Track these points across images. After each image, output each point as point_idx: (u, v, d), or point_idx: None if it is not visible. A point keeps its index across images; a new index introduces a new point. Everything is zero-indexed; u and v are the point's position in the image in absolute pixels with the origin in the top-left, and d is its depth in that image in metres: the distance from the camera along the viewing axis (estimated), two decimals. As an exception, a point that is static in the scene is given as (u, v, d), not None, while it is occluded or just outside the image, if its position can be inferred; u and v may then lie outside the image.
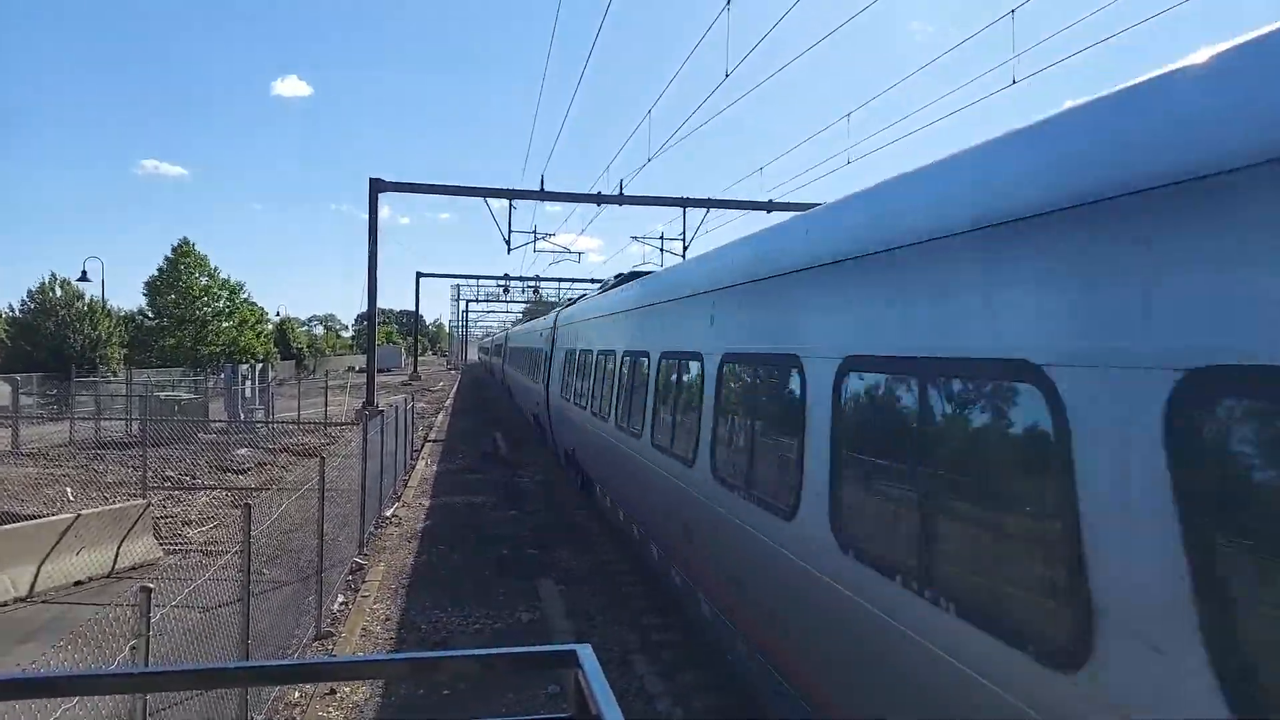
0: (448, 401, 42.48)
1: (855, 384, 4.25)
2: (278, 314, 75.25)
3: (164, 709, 5.21)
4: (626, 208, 28.12)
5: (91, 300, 44.23)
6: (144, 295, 55.16)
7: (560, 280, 62.54)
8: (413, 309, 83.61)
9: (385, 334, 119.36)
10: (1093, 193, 2.74)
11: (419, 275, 72.23)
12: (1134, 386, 2.52)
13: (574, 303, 19.21)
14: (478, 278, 69.48)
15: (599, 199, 27.20)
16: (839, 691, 4.36)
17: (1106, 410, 2.64)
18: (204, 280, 56.43)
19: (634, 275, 13.56)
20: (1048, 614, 2.82)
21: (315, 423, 25.46)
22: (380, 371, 34.32)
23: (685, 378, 7.38)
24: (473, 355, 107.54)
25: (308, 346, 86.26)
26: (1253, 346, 2.19)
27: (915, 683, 3.45)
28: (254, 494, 12.75)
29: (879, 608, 3.74)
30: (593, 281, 48.84)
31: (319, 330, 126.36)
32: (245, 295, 60.17)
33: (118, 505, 12.21)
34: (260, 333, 62.40)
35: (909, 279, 3.81)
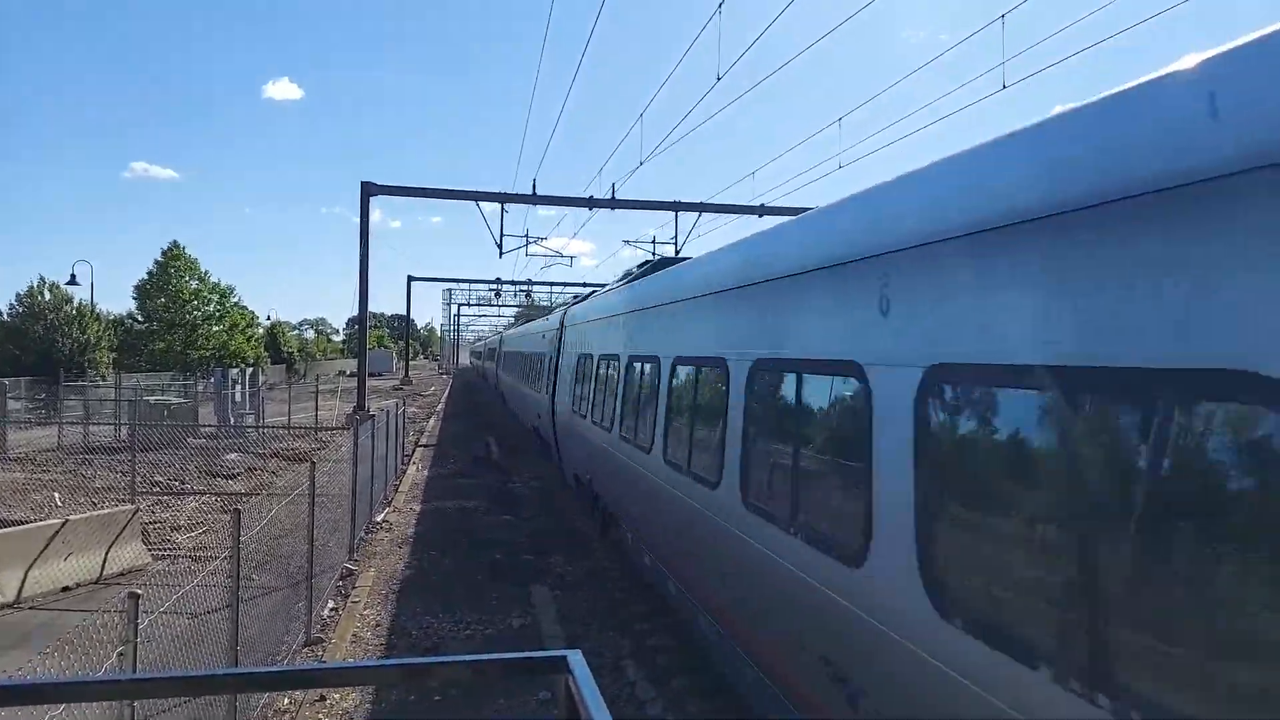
0: (439, 406, 42.38)
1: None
2: (268, 318, 75.08)
3: (152, 716, 5.17)
4: (619, 212, 28.18)
5: (80, 304, 44.01)
6: (133, 299, 54.93)
7: (552, 284, 62.66)
8: (404, 313, 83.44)
9: (377, 338, 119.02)
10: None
11: (410, 279, 72.17)
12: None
13: (585, 298, 17.05)
14: (470, 282, 69.60)
15: (591, 203, 27.25)
16: None
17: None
18: (194, 284, 56.18)
19: (665, 262, 11.28)
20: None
21: (306, 427, 25.35)
22: (371, 376, 34.20)
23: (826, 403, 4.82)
24: (465, 360, 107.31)
25: (298, 350, 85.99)
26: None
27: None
28: (243, 499, 12.71)
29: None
30: (585, 286, 48.84)
31: (310, 334, 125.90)
32: (236, 299, 60.01)
33: (106, 510, 12.13)
34: (251, 336, 62.17)
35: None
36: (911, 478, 3.52)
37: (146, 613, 4.60)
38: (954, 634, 3.13)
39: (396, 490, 17.42)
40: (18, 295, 43.20)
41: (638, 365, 9.42)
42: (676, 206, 28.26)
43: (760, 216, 26.78)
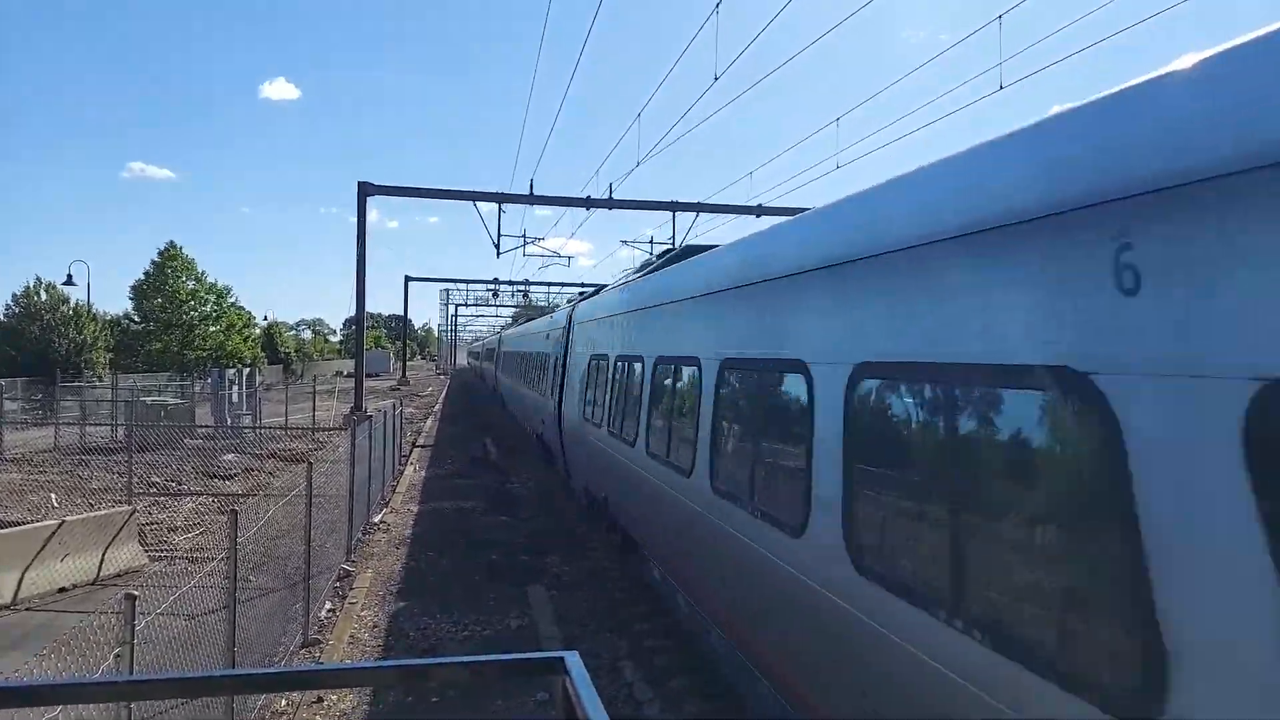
0: (437, 406, 42.37)
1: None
2: (265, 318, 75.03)
3: (149, 718, 5.16)
4: (616, 212, 28.22)
5: (77, 304, 43.93)
6: (130, 299, 54.87)
7: (550, 284, 62.64)
8: (401, 313, 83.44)
9: (374, 338, 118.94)
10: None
11: (408, 279, 72.19)
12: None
13: (595, 292, 15.53)
14: (467, 282, 69.56)
15: (588, 203, 27.27)
16: None
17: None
18: (191, 284, 56.14)
19: (690, 251, 9.67)
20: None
21: (303, 428, 25.31)
22: (369, 376, 34.19)
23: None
24: (462, 360, 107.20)
25: (295, 351, 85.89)
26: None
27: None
28: (240, 500, 12.69)
29: None
30: (583, 286, 48.78)
31: (307, 334, 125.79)
32: (233, 299, 59.96)
33: (103, 511, 12.10)
34: (248, 337, 62.12)
35: None
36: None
37: (143, 614, 4.60)
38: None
39: (394, 491, 17.41)
40: (14, 295, 43.17)
41: (669, 370, 7.97)
42: (674, 206, 28.28)
43: (758, 217, 26.81)
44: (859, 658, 4.03)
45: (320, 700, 7.14)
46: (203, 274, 57.01)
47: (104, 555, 11.10)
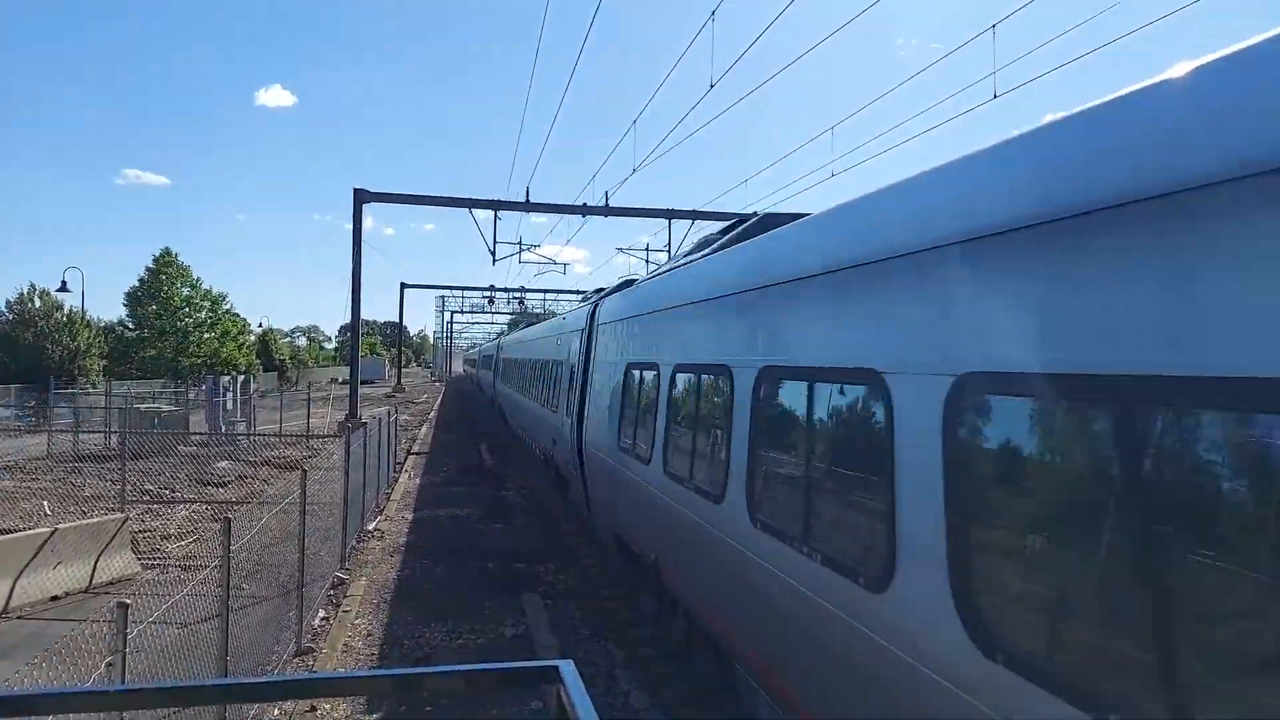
0: (432, 414, 42.29)
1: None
2: (260, 325, 74.89)
3: (141, 727, 5.13)
4: (612, 219, 28.24)
5: (71, 311, 43.88)
6: (124, 306, 54.80)
7: (546, 291, 62.67)
8: (397, 320, 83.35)
9: (369, 345, 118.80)
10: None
11: (403, 286, 72.24)
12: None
13: (626, 286, 11.98)
14: (463, 289, 69.56)
15: (584, 210, 27.30)
16: None
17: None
18: (186, 291, 56.08)
19: (773, 220, 7.35)
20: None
21: (297, 435, 25.26)
22: (363, 383, 34.14)
23: None
24: (458, 367, 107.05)
25: (290, 358, 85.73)
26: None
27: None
28: (234, 507, 12.64)
29: None
30: (579, 293, 48.78)
31: (302, 341, 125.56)
32: (227, 306, 59.92)
33: (96, 519, 12.05)
34: (242, 344, 62.04)
35: None
36: None
37: (136, 622, 4.58)
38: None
39: (388, 498, 17.36)
40: (8, 302, 43.18)
41: (797, 392, 5.11)
42: (670, 214, 28.32)
43: (753, 224, 26.83)
44: None
45: (314, 709, 7.10)
46: (198, 281, 57.03)
47: (96, 563, 11.05)
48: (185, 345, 54.58)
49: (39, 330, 41.38)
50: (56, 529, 10.83)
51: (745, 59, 14.98)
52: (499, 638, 9.18)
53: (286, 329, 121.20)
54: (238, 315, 62.14)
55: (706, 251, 8.45)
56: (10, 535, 10.88)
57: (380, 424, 16.57)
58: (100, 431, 23.84)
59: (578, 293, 49.77)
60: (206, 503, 16.39)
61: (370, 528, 14.23)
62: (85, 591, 10.71)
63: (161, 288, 54.27)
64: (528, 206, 27.29)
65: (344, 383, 41.16)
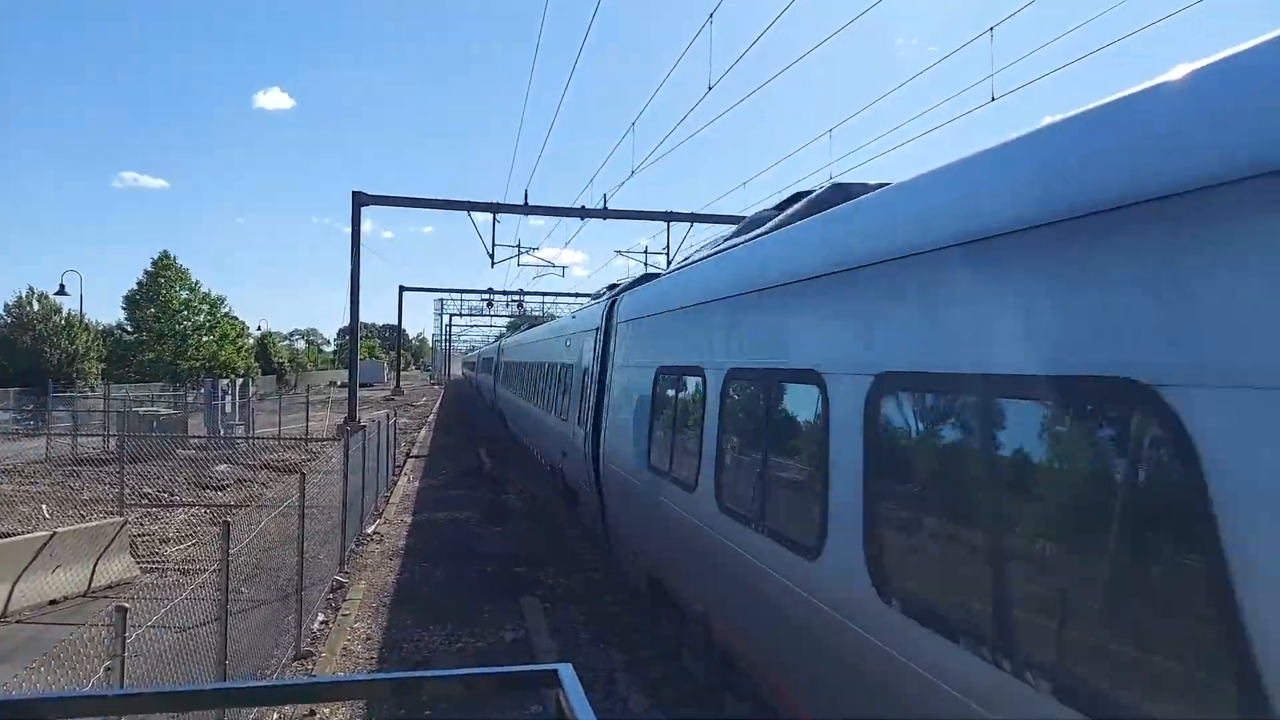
0: (431, 417, 42.26)
1: None
2: (259, 328, 74.87)
3: (139, 731, 5.11)
4: (611, 221, 28.25)
5: (69, 314, 43.89)
6: (123, 309, 54.78)
7: (544, 294, 62.71)
8: (395, 323, 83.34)
9: (368, 348, 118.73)
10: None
11: (402, 289, 72.24)
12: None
13: (647, 280, 10.77)
14: (461, 291, 69.51)
15: (583, 213, 27.31)
16: None
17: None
18: (184, 294, 56.10)
19: (845, 192, 5.79)
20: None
21: (296, 438, 25.24)
22: (362, 386, 34.13)
23: None
24: (457, 370, 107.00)
25: (289, 361, 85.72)
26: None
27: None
28: (233, 511, 12.63)
29: None
30: (577, 296, 48.74)
31: (300, 345, 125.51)
32: (226, 309, 59.93)
33: (94, 523, 12.03)
34: (241, 347, 62.05)
35: None
36: None
37: (134, 626, 4.56)
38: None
39: (387, 502, 17.34)
40: (6, 305, 43.18)
41: (926, 406, 3.78)
42: (669, 217, 28.34)
43: (752, 227, 26.84)
44: None
45: (313, 713, 7.09)
46: (196, 284, 57.05)
47: (95, 567, 11.03)
48: (184, 348, 54.58)
49: (37, 333, 41.38)
50: (55, 533, 10.81)
51: (744, 61, 15.00)
52: (498, 641, 9.17)
53: (285, 332, 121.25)
54: (236, 318, 62.20)
55: (767, 229, 6.58)
56: (9, 539, 10.86)
57: (379, 427, 16.56)
58: (99, 435, 23.82)
59: (577, 295, 49.77)
60: (205, 506, 16.37)
61: (369, 531, 14.21)
62: (84, 595, 10.69)
63: (160, 291, 54.29)
64: (526, 209, 27.31)
65: (343, 385, 41.17)
